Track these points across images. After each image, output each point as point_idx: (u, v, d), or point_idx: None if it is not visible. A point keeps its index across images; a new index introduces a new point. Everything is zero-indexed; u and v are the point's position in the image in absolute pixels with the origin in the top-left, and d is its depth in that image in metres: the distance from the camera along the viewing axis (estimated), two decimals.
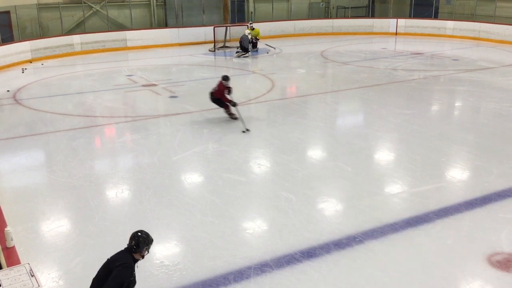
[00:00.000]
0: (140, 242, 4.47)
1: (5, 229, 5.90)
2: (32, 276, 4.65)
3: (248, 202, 7.56)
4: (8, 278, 4.61)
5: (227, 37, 22.45)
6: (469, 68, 17.28)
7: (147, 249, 4.55)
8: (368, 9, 28.80)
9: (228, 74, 11.32)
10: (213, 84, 11.65)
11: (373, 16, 28.31)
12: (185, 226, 6.79)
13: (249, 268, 5.73)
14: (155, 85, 15.34)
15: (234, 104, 11.04)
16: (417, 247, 6.16)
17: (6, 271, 4.80)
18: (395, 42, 24.34)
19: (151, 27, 24.18)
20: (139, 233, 4.53)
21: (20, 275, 4.68)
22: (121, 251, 4.54)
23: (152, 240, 4.58)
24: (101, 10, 23.05)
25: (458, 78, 15.82)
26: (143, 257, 4.57)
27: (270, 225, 6.86)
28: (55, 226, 6.85)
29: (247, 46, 20.10)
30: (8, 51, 18.93)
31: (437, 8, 26.61)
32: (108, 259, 4.52)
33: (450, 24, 24.40)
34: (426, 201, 7.36)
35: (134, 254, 4.50)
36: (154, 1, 24.17)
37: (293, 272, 5.66)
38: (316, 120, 11.83)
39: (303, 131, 10.95)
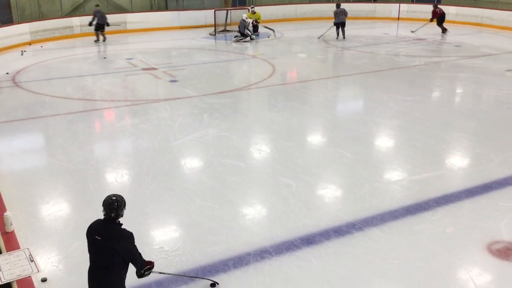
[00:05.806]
0: (118, 208, 4.24)
1: (5, 213, 5.90)
2: (32, 261, 4.65)
3: (248, 188, 7.54)
4: (7, 263, 4.62)
5: (228, 21, 22.24)
6: (471, 54, 17.15)
7: (124, 209, 4.33)
8: None
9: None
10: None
11: (375, 1, 27.98)
12: (185, 211, 6.78)
13: (249, 254, 5.73)
14: (155, 69, 15.23)
15: None
16: (417, 234, 6.16)
17: (5, 256, 4.80)
18: (397, 27, 24.13)
19: (151, 9, 23.93)
20: (113, 197, 4.26)
21: (19, 260, 4.69)
22: (109, 225, 4.23)
23: (124, 199, 4.35)
24: None
25: (460, 64, 15.70)
26: (122, 215, 4.32)
27: (270, 211, 6.85)
28: (55, 210, 6.83)
29: (243, 31, 19.89)
30: (7, 33, 18.73)
31: None
32: (98, 238, 4.17)
33: (452, 9, 24.13)
34: (426, 188, 7.35)
35: (116, 220, 4.27)
36: None
37: (293, 258, 5.66)
38: (317, 106, 11.76)
39: (304, 117, 10.90)
